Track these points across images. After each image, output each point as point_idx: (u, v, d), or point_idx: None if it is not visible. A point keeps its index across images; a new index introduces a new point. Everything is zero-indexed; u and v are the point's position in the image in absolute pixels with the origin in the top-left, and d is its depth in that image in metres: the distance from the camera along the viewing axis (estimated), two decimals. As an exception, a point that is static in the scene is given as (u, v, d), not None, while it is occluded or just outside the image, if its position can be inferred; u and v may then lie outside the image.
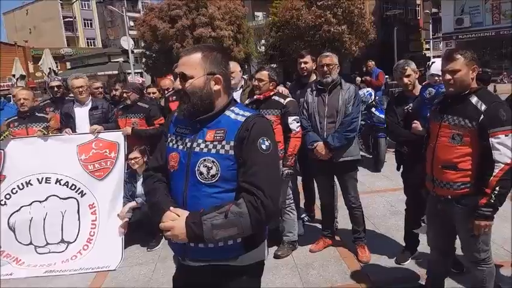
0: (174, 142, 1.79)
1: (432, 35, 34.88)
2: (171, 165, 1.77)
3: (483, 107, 2.36)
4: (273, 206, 1.61)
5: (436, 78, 3.32)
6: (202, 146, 1.68)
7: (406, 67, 3.47)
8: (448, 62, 2.45)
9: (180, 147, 1.75)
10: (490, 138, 2.32)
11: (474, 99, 2.41)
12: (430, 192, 2.70)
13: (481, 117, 2.35)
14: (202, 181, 1.66)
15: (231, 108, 1.74)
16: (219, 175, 1.64)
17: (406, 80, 3.49)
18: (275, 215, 1.67)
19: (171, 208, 1.66)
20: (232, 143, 1.64)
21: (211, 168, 1.64)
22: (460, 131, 2.42)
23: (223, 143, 1.65)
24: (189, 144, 1.72)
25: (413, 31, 36.82)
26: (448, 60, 2.45)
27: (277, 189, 1.68)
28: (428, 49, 36.72)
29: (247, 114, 1.70)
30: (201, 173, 1.66)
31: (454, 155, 2.46)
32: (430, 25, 34.19)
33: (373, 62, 9.92)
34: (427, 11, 34.33)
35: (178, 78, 1.71)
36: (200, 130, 1.71)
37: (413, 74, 3.47)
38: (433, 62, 3.46)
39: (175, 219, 1.62)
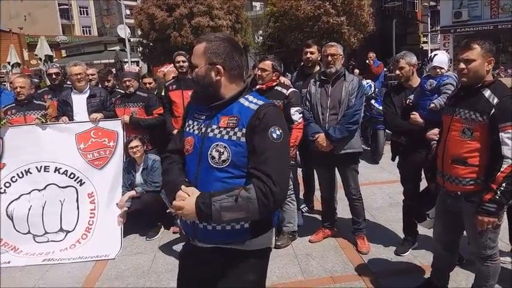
0: (190, 127, 1.85)
1: (430, 28, 34.78)
2: (186, 148, 1.84)
3: (495, 101, 2.30)
4: (280, 193, 1.64)
5: (438, 70, 3.32)
6: (216, 131, 1.72)
7: (400, 59, 3.49)
8: (464, 51, 2.39)
9: (196, 132, 1.81)
10: (500, 133, 2.26)
11: (487, 93, 2.35)
12: (440, 187, 2.67)
13: (492, 111, 2.29)
14: (214, 165, 1.70)
15: (245, 96, 1.76)
16: (229, 160, 1.68)
17: (397, 71, 3.51)
18: (282, 202, 1.73)
19: (182, 187, 1.71)
20: (244, 130, 1.68)
21: (223, 153, 1.69)
22: (471, 125, 2.37)
23: (236, 129, 1.69)
24: (203, 130, 1.77)
25: (411, 24, 36.68)
26: (465, 49, 2.38)
27: (285, 177, 1.71)
28: (425, 42, 36.63)
29: (260, 102, 1.73)
30: (212, 158, 1.70)
31: (464, 150, 2.41)
32: (428, 18, 34.04)
33: (374, 54, 9.94)
34: (426, 4, 34.15)
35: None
36: (215, 116, 1.76)
37: (407, 67, 3.46)
38: (435, 55, 3.45)
39: (186, 199, 1.67)
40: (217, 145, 1.70)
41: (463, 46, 2.41)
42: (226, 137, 1.70)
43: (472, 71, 2.36)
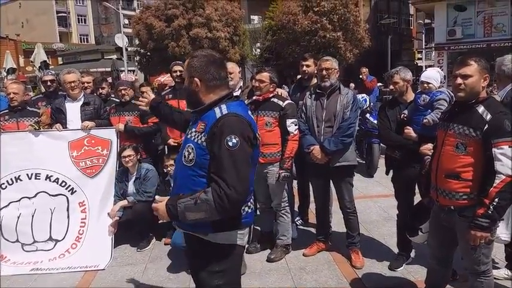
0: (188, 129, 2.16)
1: (425, 45, 35.23)
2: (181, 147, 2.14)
3: (488, 117, 2.32)
4: (236, 195, 1.84)
5: (426, 85, 3.39)
6: (192, 134, 2.01)
7: (394, 75, 3.54)
8: (460, 67, 2.41)
9: (187, 133, 2.13)
10: (493, 149, 2.28)
11: (481, 109, 2.37)
12: (433, 201, 2.66)
13: (486, 127, 2.31)
14: (184, 163, 2.00)
15: (220, 105, 1.99)
16: (194, 160, 1.95)
17: (391, 86, 3.58)
18: (239, 203, 1.94)
19: (157, 197, 2.06)
20: (206, 136, 1.93)
21: (190, 153, 1.97)
22: (464, 140, 2.38)
23: (202, 134, 1.95)
24: (188, 132, 2.08)
25: (406, 40, 37.19)
26: (461, 64, 2.41)
27: (242, 181, 1.87)
28: (420, 59, 37.07)
29: (225, 112, 1.95)
30: (184, 156, 2.00)
31: (458, 165, 2.42)
32: (423, 35, 34.52)
33: (367, 69, 10.03)
34: (420, 22, 34.66)
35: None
36: (196, 121, 2.05)
37: (401, 82, 3.50)
38: (424, 71, 3.50)
39: (160, 202, 1.98)
40: (188, 146, 1.99)
41: (460, 62, 2.44)
42: (195, 139, 1.97)
43: (469, 87, 2.39)
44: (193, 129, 2.01)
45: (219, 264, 2.02)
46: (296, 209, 4.77)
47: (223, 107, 1.97)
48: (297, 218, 4.74)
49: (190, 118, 2.19)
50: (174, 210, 1.89)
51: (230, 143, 1.85)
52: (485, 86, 2.42)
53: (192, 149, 1.95)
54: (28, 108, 4.59)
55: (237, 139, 1.86)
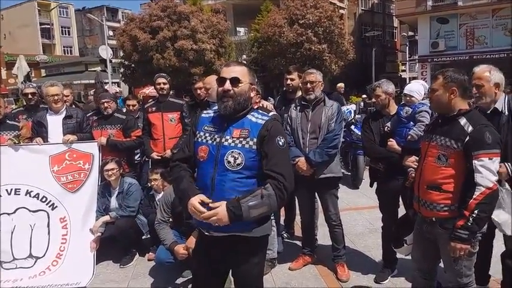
0: (202, 138, 2.22)
1: (408, 57, 35.93)
2: (200, 155, 2.20)
3: (470, 129, 2.35)
4: (290, 186, 2.10)
5: (408, 98, 3.46)
6: (230, 141, 2.13)
7: (376, 88, 3.60)
8: (432, 81, 2.54)
9: (210, 141, 2.19)
10: (473, 161, 2.30)
11: (463, 121, 2.40)
12: (417, 212, 2.68)
13: (467, 139, 2.33)
14: (229, 168, 2.10)
15: (251, 113, 2.21)
16: (243, 164, 2.10)
17: (374, 99, 3.67)
18: (291, 192, 2.18)
19: (210, 204, 2.05)
20: (255, 140, 2.11)
21: (237, 158, 2.10)
22: (446, 151, 2.41)
23: (248, 139, 2.12)
24: (218, 140, 2.16)
25: (390, 53, 37.89)
26: (432, 79, 2.54)
27: (291, 174, 2.17)
28: (404, 70, 37.78)
29: (265, 118, 2.19)
30: (228, 162, 2.10)
31: (439, 176, 2.44)
32: (407, 47, 35.22)
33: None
34: (404, 34, 35.42)
35: (227, 82, 2.14)
36: (227, 129, 2.16)
37: (383, 95, 3.55)
38: (408, 84, 3.57)
39: (217, 208, 2.03)
40: (232, 152, 2.11)
41: (432, 77, 2.57)
42: (240, 145, 2.12)
43: (434, 100, 2.50)
44: (228, 137, 2.14)
45: (257, 255, 2.25)
46: (282, 222, 4.74)
47: (256, 114, 2.21)
48: (283, 232, 4.71)
49: (199, 127, 2.24)
50: (237, 211, 2.01)
51: (280, 143, 2.13)
52: (453, 98, 2.43)
53: (239, 153, 2.10)
54: (8, 121, 4.47)
55: (283, 140, 2.16)
